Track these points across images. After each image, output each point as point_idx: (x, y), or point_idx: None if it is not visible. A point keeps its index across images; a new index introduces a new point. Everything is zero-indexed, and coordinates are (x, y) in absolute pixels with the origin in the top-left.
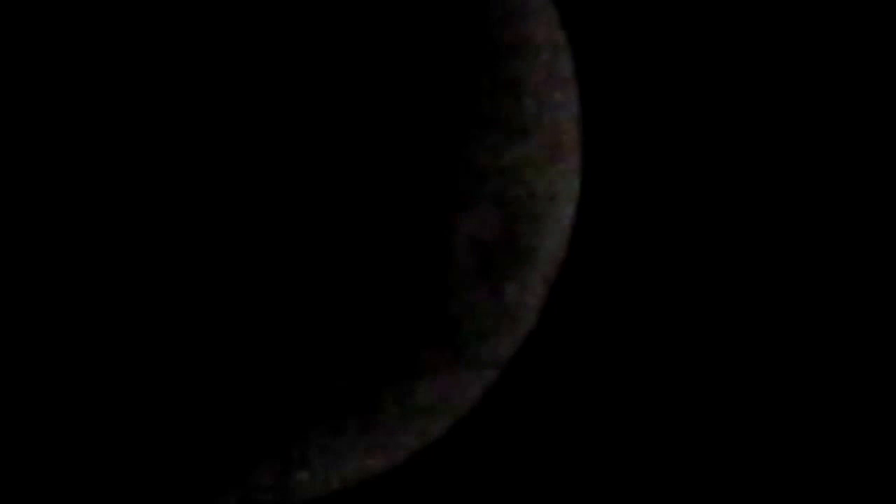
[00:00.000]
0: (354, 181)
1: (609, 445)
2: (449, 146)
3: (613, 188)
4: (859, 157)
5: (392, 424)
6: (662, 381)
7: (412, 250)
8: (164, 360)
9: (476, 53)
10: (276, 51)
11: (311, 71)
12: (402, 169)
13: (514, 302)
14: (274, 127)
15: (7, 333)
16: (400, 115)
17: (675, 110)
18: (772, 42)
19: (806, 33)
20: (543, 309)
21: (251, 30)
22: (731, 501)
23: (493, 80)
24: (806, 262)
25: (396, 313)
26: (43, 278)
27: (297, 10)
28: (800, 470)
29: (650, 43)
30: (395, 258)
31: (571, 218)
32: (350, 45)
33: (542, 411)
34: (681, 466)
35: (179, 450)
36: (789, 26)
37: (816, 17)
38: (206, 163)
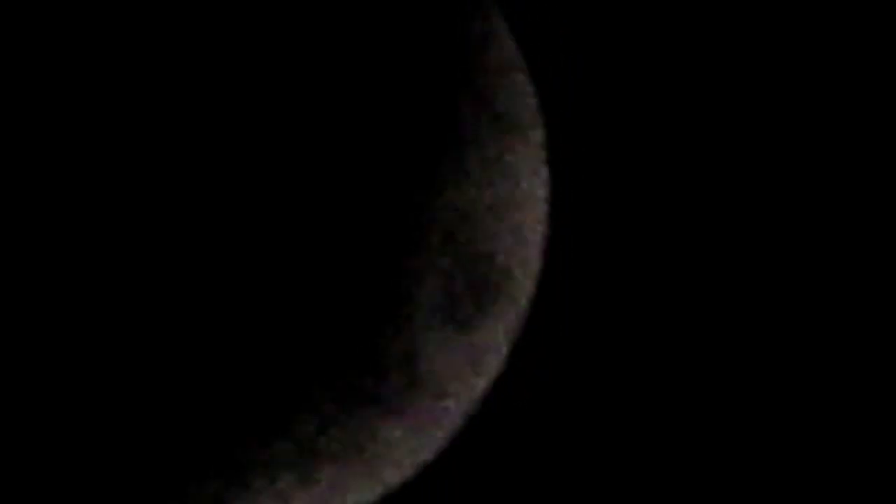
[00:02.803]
0: (316, 215)
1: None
2: (413, 193)
3: (588, 203)
4: (850, 163)
5: (347, 474)
6: (647, 390)
7: (373, 291)
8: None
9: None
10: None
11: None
12: (362, 209)
13: (482, 343)
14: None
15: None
16: (367, 165)
17: (648, 122)
18: (749, 57)
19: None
20: (514, 348)
21: (243, 38)
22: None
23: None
24: (792, 265)
25: (357, 350)
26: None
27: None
28: (798, 470)
29: (621, 55)
30: (355, 299)
31: (539, 268)
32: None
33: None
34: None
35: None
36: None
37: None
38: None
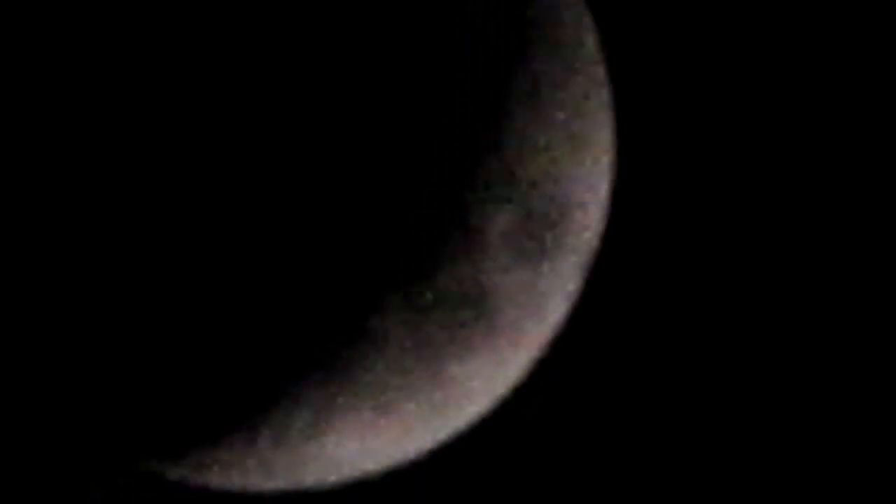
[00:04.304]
0: (393, 167)
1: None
2: (482, 130)
3: (645, 192)
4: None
5: (426, 408)
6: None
7: (448, 236)
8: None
9: (502, 61)
10: (291, 54)
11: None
12: (435, 157)
13: (549, 286)
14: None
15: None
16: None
17: (707, 112)
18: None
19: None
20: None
21: (278, 32)
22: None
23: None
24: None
25: (432, 294)
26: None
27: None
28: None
29: (684, 46)
30: (430, 242)
31: (606, 208)
32: (379, 47)
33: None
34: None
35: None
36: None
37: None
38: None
